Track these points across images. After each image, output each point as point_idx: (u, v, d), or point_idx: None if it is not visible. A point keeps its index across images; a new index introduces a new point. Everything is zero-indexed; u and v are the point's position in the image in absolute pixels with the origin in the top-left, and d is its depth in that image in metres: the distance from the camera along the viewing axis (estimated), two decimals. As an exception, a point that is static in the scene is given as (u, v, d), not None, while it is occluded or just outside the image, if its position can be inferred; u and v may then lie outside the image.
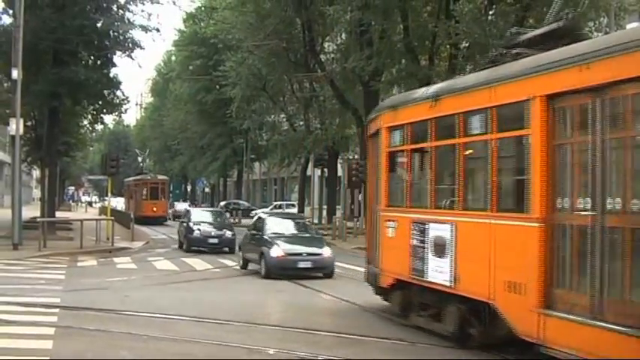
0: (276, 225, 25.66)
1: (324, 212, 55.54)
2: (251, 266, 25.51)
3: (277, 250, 23.16)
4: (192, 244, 33.51)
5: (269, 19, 48.54)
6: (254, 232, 25.76)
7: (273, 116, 67.79)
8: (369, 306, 17.01)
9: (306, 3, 46.64)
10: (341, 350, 12.48)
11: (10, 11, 34.06)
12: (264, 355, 11.91)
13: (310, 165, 62.02)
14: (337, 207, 57.99)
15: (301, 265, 23.14)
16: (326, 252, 23.89)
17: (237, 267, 26.80)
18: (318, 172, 58.80)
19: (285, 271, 22.85)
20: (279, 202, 76.71)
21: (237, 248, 30.13)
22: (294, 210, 64.83)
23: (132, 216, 44.13)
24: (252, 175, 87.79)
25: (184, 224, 35.46)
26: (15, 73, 29.85)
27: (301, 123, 58.89)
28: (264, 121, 68.59)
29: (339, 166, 58.49)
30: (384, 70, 41.09)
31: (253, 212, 68.54)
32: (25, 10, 30.44)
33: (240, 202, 78.26)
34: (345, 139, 54.69)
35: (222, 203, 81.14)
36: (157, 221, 60.72)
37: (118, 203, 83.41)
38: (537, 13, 32.41)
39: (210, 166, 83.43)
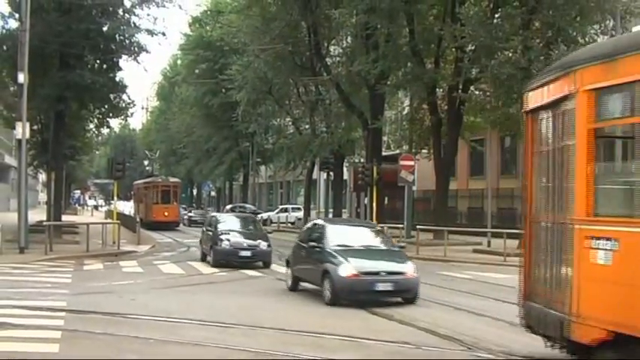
0: (342, 234, 20.30)
1: (330, 216, 55.54)
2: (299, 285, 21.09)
3: (348, 269, 18.02)
4: (219, 258, 27.98)
5: (275, 23, 48.62)
6: (312, 243, 20.25)
7: (278, 120, 67.87)
8: (375, 309, 17.01)
9: (311, 6, 46.69)
10: (346, 353, 12.47)
11: (17, 15, 34.08)
12: (270, 357, 11.91)
13: (316, 168, 62.03)
14: (343, 210, 57.94)
15: (380, 287, 18.05)
16: (409, 269, 18.59)
17: (244, 270, 26.64)
18: (324, 175, 58.86)
19: (358, 295, 18.06)
20: (285, 206, 76.73)
21: (273, 262, 28.09)
22: (300, 213, 64.75)
23: (137, 219, 44.14)
24: (258, 179, 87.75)
25: (210, 233, 29.98)
26: (21, 77, 29.90)
27: (307, 126, 58.88)
28: (269, 124, 68.66)
29: (344, 169, 58.47)
30: (390, 73, 41.10)
31: (259, 216, 68.86)
32: (31, 14, 30.53)
33: (246, 205, 78.12)
34: (351, 142, 54.70)
35: (229, 207, 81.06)
36: (169, 226, 58.13)
37: (125, 207, 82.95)
38: (543, 16, 32.46)
39: (216, 169, 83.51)
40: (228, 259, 27.71)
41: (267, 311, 17.07)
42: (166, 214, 59.69)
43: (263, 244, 28.44)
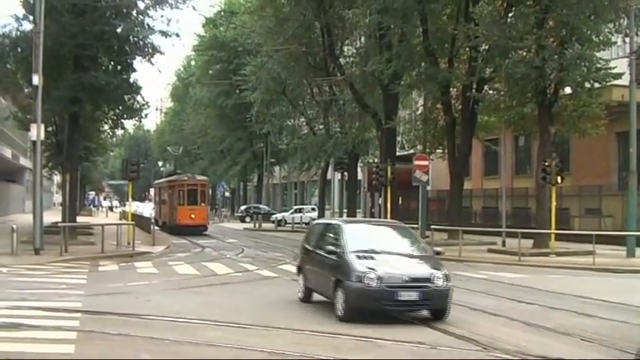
0: None
1: (345, 216, 55.54)
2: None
3: None
4: (359, 304, 15.23)
5: (288, 23, 48.70)
6: None
7: (292, 120, 67.99)
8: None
9: (325, 7, 46.72)
10: (361, 354, 12.45)
11: (31, 17, 34.20)
12: (284, 357, 11.90)
13: (330, 169, 62.12)
14: (357, 210, 57.93)
15: None
16: None
17: (259, 271, 26.16)
18: (338, 175, 58.90)
19: None
20: (299, 206, 76.79)
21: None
22: (315, 214, 64.78)
23: (152, 220, 44.14)
24: (272, 179, 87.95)
25: (330, 257, 16.54)
26: (35, 79, 29.96)
27: (321, 127, 58.96)
28: (284, 125, 68.79)
29: (359, 169, 58.48)
30: (404, 73, 41.05)
31: (273, 216, 68.94)
32: (45, 16, 30.59)
33: (261, 206, 78.41)
34: (365, 142, 54.74)
35: (243, 207, 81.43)
36: (197, 231, 51.41)
37: (143, 208, 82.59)
38: (557, 15, 32.34)
39: (230, 170, 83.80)
40: (375, 306, 15.20)
41: (282, 311, 17.03)
42: (193, 216, 52.64)
43: (438, 277, 15.31)
